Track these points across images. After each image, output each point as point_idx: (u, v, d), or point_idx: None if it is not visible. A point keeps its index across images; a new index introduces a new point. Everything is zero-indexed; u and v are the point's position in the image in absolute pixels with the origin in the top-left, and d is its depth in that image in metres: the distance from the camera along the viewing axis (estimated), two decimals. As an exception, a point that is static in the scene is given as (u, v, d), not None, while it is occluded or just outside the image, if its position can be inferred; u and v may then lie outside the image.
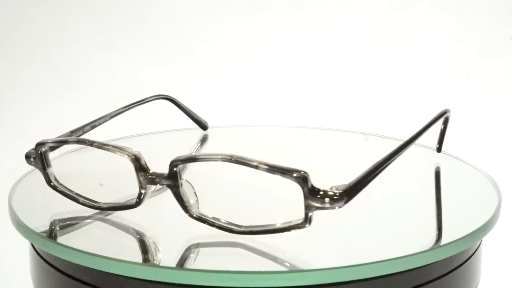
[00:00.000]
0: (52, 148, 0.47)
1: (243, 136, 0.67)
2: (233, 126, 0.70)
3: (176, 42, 0.86)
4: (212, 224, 0.41)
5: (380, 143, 0.61)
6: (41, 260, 0.43)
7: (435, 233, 0.43)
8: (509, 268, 0.85)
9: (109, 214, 0.46)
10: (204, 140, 0.65)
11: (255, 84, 0.87)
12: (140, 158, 0.42)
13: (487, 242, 0.50)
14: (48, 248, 0.41)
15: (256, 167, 0.38)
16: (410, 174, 0.56)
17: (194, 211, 0.41)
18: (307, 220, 0.38)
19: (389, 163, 0.42)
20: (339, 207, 0.38)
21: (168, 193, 0.42)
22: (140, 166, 0.42)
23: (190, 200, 0.41)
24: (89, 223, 0.45)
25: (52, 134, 0.53)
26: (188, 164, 0.44)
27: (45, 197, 0.49)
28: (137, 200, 0.42)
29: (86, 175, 0.54)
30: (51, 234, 0.43)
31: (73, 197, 0.45)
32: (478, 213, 0.44)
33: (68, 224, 0.45)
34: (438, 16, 0.85)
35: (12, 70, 0.86)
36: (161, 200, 0.49)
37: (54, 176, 0.46)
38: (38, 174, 0.52)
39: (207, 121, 0.66)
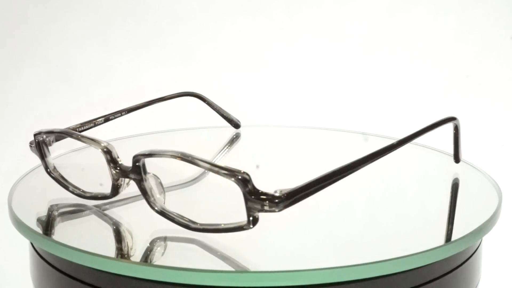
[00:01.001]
0: (54, 138, 0.49)
1: (246, 136, 0.67)
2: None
3: (176, 42, 0.86)
4: (171, 219, 0.41)
5: (380, 143, 0.61)
6: (41, 260, 0.43)
7: (435, 233, 0.43)
8: (509, 268, 0.85)
9: (109, 214, 0.46)
10: (236, 138, 0.64)
11: (254, 84, 0.87)
12: (111, 151, 0.43)
13: (487, 242, 0.50)
14: (47, 247, 0.41)
15: (201, 166, 0.39)
16: (410, 174, 0.56)
17: (158, 205, 0.41)
18: (250, 222, 0.38)
19: (351, 171, 0.41)
20: (279, 210, 0.37)
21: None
22: (111, 159, 0.43)
23: (157, 194, 0.42)
24: (89, 223, 0.45)
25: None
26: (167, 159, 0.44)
27: (45, 197, 0.49)
28: (111, 191, 0.44)
29: (92, 171, 0.55)
30: (51, 234, 0.43)
31: (64, 185, 0.47)
32: (478, 213, 0.44)
33: (68, 223, 0.45)
34: (438, 16, 0.85)
35: (12, 70, 0.86)
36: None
37: (53, 165, 0.48)
38: (38, 174, 0.52)
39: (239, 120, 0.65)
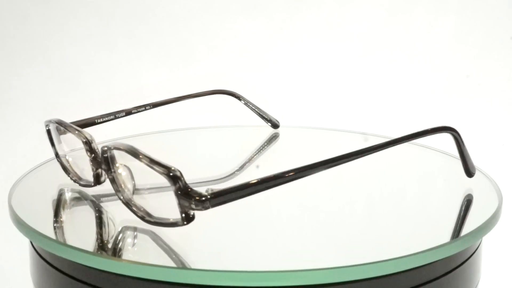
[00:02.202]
0: (60, 128, 0.51)
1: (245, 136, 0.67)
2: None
3: (176, 42, 0.86)
4: (132, 211, 0.42)
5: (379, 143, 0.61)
6: (41, 260, 0.43)
7: (435, 233, 0.43)
8: (509, 268, 0.85)
9: (110, 213, 0.46)
10: (274, 138, 0.64)
11: (255, 84, 0.87)
12: (90, 143, 0.45)
13: (487, 242, 0.50)
14: (47, 246, 0.41)
15: (141, 160, 0.39)
16: (410, 174, 0.56)
17: (124, 196, 0.42)
18: (183, 218, 0.38)
19: (294, 177, 0.41)
20: (205, 209, 0.38)
21: (168, 194, 0.42)
22: (89, 149, 0.45)
23: (128, 185, 0.43)
24: (89, 222, 0.45)
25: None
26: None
27: (45, 197, 0.49)
28: (94, 180, 0.46)
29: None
30: (51, 233, 0.43)
31: (67, 171, 0.49)
32: (478, 213, 0.44)
33: (68, 223, 0.45)
34: (438, 16, 0.85)
35: (12, 70, 0.86)
36: (161, 200, 0.50)
37: (65, 155, 0.50)
38: (38, 174, 0.52)
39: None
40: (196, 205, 0.37)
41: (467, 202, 0.49)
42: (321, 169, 0.41)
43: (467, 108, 0.85)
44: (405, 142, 0.46)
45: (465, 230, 0.41)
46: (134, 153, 0.40)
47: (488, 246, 0.53)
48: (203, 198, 0.37)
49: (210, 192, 0.38)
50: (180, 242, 0.42)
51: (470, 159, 0.50)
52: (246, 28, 0.87)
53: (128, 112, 0.57)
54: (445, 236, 0.42)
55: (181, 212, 0.38)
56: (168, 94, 0.64)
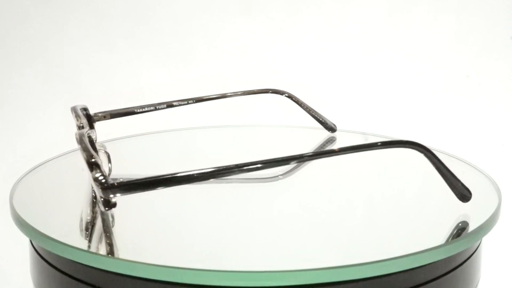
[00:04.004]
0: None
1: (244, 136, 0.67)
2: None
3: (176, 42, 0.86)
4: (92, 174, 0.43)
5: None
6: (41, 259, 0.43)
7: (435, 233, 0.43)
8: (509, 268, 0.85)
9: (110, 213, 0.46)
10: (330, 142, 0.62)
11: (254, 84, 0.87)
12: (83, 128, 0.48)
13: (487, 242, 0.50)
14: (47, 245, 0.41)
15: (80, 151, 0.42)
16: (410, 174, 0.56)
17: (96, 175, 0.43)
18: (102, 203, 0.39)
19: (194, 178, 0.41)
20: (109, 198, 0.39)
21: (169, 194, 0.42)
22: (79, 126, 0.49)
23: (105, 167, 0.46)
24: (89, 222, 0.45)
25: (52, 134, 0.54)
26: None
27: (45, 196, 0.49)
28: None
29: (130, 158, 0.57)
30: (51, 232, 0.42)
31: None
32: (478, 213, 0.44)
33: (68, 223, 0.45)
34: (438, 16, 0.85)
35: (12, 70, 0.86)
36: (161, 200, 0.50)
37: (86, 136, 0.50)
38: (38, 174, 0.52)
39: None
40: (102, 194, 0.39)
41: (467, 202, 0.49)
42: (236, 172, 0.41)
43: (467, 108, 0.85)
44: (356, 151, 0.44)
45: (465, 230, 0.41)
46: (78, 141, 0.43)
47: (488, 246, 0.53)
48: (105, 188, 0.39)
49: (111, 183, 0.39)
50: (180, 242, 0.42)
51: (456, 178, 0.45)
52: (246, 28, 0.87)
53: (170, 105, 0.57)
54: (445, 236, 0.42)
55: (100, 197, 0.39)
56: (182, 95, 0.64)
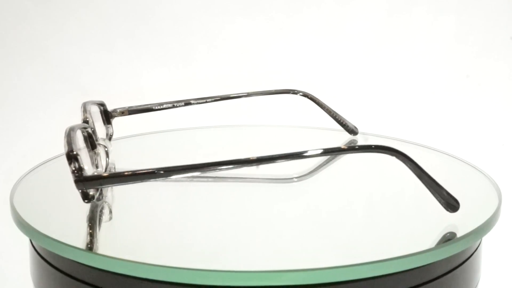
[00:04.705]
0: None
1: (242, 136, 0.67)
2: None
3: (176, 42, 0.86)
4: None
5: (380, 143, 0.61)
6: (41, 259, 0.43)
7: (435, 233, 0.43)
8: (509, 268, 0.85)
9: (110, 213, 0.46)
10: (351, 144, 0.60)
11: (254, 84, 0.87)
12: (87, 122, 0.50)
13: (487, 242, 0.50)
14: (47, 245, 0.41)
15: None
16: (410, 174, 0.56)
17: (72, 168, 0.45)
18: (81, 195, 0.42)
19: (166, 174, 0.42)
20: (81, 190, 0.41)
21: (170, 194, 0.42)
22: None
23: (103, 162, 0.48)
24: (89, 221, 0.45)
25: (52, 134, 0.54)
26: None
27: (46, 196, 0.49)
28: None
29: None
30: (51, 232, 0.43)
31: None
32: (478, 213, 0.44)
33: (68, 223, 0.45)
34: (438, 16, 0.85)
35: (12, 70, 0.86)
36: (160, 200, 0.50)
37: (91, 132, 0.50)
38: (38, 174, 0.52)
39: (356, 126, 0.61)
40: (76, 185, 0.41)
41: (467, 202, 0.49)
42: (194, 171, 0.42)
43: (467, 108, 0.85)
44: (330, 154, 0.44)
45: (465, 230, 0.41)
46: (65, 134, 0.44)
47: (488, 246, 0.53)
48: (76, 180, 0.41)
49: (85, 176, 0.41)
50: (180, 241, 0.42)
51: (440, 186, 0.43)
52: (246, 28, 0.87)
53: (187, 103, 0.57)
54: (445, 236, 0.42)
55: (78, 189, 0.41)
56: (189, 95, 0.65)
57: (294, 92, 0.61)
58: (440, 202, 0.43)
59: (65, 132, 0.43)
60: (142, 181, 0.41)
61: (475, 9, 0.84)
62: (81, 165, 0.41)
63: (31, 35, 0.86)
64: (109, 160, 0.52)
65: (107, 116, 0.56)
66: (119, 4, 0.86)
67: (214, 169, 0.42)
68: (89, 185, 0.41)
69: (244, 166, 0.42)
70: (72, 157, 0.41)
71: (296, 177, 0.54)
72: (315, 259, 0.39)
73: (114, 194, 0.50)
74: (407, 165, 0.42)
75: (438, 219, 0.45)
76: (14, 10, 0.86)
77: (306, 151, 0.42)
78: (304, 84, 0.86)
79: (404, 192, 0.53)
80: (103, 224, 0.45)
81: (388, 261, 0.37)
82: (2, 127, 0.87)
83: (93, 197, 0.42)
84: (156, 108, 0.57)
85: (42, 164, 0.54)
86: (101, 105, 0.56)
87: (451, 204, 0.43)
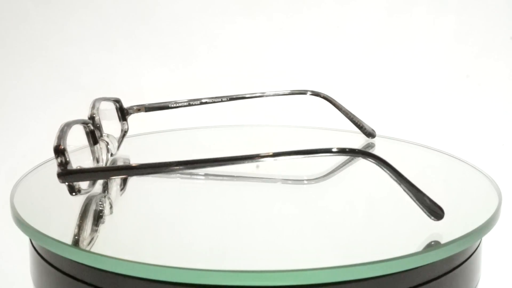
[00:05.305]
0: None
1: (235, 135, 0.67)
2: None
3: (176, 42, 0.87)
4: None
5: (380, 143, 0.61)
6: (41, 259, 0.43)
7: (435, 233, 0.43)
8: (509, 268, 0.85)
9: (110, 213, 0.46)
10: (368, 148, 0.59)
11: (254, 84, 0.87)
12: (94, 117, 0.51)
13: (487, 242, 0.50)
14: (47, 245, 0.41)
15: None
16: (410, 174, 0.56)
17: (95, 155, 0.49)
18: (67, 188, 0.43)
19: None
20: (66, 183, 0.43)
21: (170, 194, 0.42)
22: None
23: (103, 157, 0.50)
24: (89, 221, 0.45)
25: (52, 134, 0.54)
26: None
27: (46, 196, 0.49)
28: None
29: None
30: (51, 232, 0.43)
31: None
32: (478, 213, 0.44)
33: (68, 222, 0.45)
34: (438, 16, 0.85)
35: (12, 70, 0.86)
36: (160, 199, 0.50)
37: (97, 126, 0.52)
38: (38, 174, 0.52)
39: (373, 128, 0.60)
40: (58, 179, 0.42)
41: (467, 202, 0.49)
42: (178, 169, 0.43)
43: (467, 108, 0.85)
44: (302, 156, 0.42)
45: (465, 230, 0.41)
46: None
47: (488, 246, 0.53)
48: (59, 173, 0.42)
49: (61, 170, 0.42)
50: (180, 241, 0.42)
51: (421, 193, 0.41)
52: (246, 28, 0.87)
53: (203, 102, 0.58)
54: (445, 236, 0.42)
55: (60, 182, 0.43)
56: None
57: (312, 93, 0.61)
58: (422, 209, 0.41)
59: (60, 126, 0.44)
60: (123, 176, 0.43)
61: (475, 9, 0.84)
62: (67, 159, 0.42)
63: (32, 35, 0.86)
64: (112, 156, 0.52)
65: (122, 113, 0.57)
66: (120, 4, 0.86)
67: (190, 168, 0.43)
68: (71, 179, 0.42)
69: (217, 165, 0.42)
70: (58, 151, 0.42)
71: (298, 179, 0.54)
72: (316, 259, 0.39)
73: (114, 194, 0.50)
74: (384, 170, 0.40)
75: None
76: (14, 10, 0.86)
77: (278, 153, 0.41)
78: (304, 84, 0.86)
79: (404, 192, 0.52)
80: (103, 224, 0.45)
81: (388, 261, 0.37)
82: (2, 127, 0.87)
83: (79, 190, 0.44)
84: (172, 106, 0.59)
85: (42, 164, 0.54)
86: (117, 101, 0.57)
87: (434, 211, 0.41)
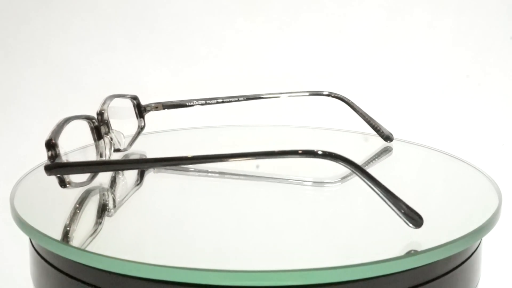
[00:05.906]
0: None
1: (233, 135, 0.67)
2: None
3: (176, 42, 0.86)
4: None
5: (380, 143, 0.61)
6: (41, 259, 0.43)
7: (435, 233, 0.43)
8: (509, 268, 0.85)
9: (110, 213, 0.46)
10: (386, 152, 0.59)
11: (254, 84, 0.87)
12: (103, 113, 0.52)
13: (487, 242, 0.50)
14: (47, 245, 0.41)
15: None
16: (410, 174, 0.56)
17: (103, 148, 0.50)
18: (58, 182, 0.45)
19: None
20: (48, 175, 0.44)
21: (170, 193, 0.42)
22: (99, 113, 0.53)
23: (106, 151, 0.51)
24: (89, 221, 0.45)
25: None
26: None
27: (46, 196, 0.49)
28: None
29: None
30: (51, 232, 0.43)
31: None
32: (478, 213, 0.44)
33: (68, 222, 0.45)
34: (438, 16, 0.85)
35: (12, 70, 0.86)
36: (160, 199, 0.50)
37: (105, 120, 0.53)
38: (38, 174, 0.52)
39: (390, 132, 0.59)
40: (46, 172, 0.44)
41: (467, 202, 0.49)
42: (157, 165, 0.47)
43: (467, 108, 0.85)
44: (267, 158, 0.41)
45: (465, 230, 0.41)
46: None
47: (488, 246, 0.53)
48: (46, 166, 0.44)
49: (55, 163, 0.43)
50: (180, 241, 0.42)
51: (397, 198, 0.40)
52: (246, 28, 0.87)
53: (219, 101, 0.59)
54: (445, 236, 0.42)
55: (49, 175, 0.44)
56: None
57: (329, 94, 0.61)
58: (399, 215, 0.40)
59: (58, 121, 0.45)
60: (106, 171, 0.45)
61: (475, 9, 0.84)
62: (57, 153, 0.43)
63: (32, 35, 0.86)
64: (120, 151, 0.54)
65: (139, 110, 0.58)
66: (120, 4, 0.86)
67: (165, 166, 0.45)
68: (57, 172, 0.44)
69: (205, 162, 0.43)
70: (50, 145, 0.43)
71: (300, 179, 0.54)
72: (315, 259, 0.39)
73: (114, 194, 0.50)
74: (357, 174, 0.39)
75: (438, 219, 0.45)
76: (15, 10, 0.86)
77: (246, 154, 0.41)
78: (304, 84, 0.86)
79: (404, 191, 0.52)
80: (103, 224, 0.45)
81: (388, 261, 0.37)
82: (2, 127, 0.87)
83: (69, 183, 0.45)
84: (189, 104, 0.60)
85: (42, 164, 0.54)
86: (134, 98, 0.58)
87: (411, 218, 0.39)
